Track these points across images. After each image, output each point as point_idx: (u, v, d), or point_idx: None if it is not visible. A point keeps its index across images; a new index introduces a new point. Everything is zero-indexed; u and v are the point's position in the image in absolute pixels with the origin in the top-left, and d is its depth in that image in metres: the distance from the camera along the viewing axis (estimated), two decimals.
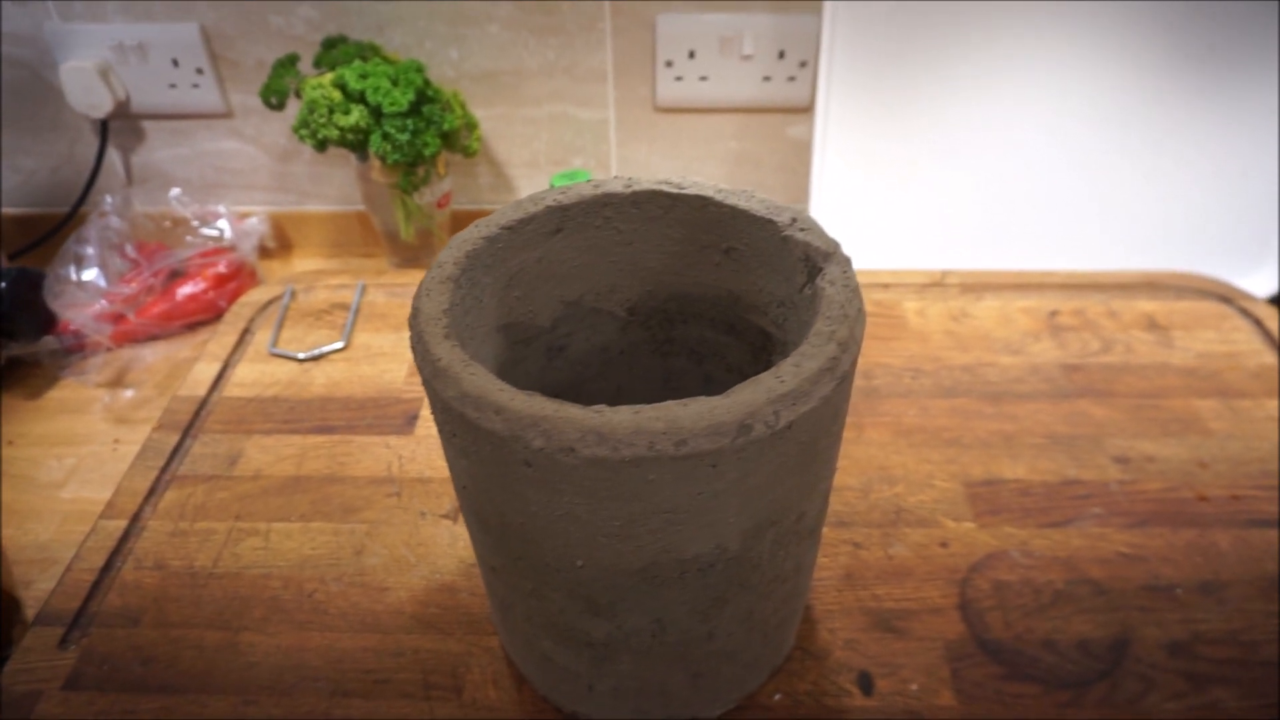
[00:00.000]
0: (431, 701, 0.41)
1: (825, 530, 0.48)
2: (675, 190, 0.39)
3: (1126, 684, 0.41)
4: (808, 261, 0.36)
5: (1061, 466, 0.52)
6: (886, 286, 0.66)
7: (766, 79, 0.68)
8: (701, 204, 0.39)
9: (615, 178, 0.41)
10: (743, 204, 0.38)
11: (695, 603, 0.34)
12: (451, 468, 0.35)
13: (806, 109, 0.69)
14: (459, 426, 0.30)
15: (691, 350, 0.44)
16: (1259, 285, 0.68)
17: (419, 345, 0.32)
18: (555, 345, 0.42)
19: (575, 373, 0.43)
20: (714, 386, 0.44)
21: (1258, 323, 0.62)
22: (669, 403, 0.28)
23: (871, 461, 0.52)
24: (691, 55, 0.67)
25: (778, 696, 0.41)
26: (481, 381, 0.30)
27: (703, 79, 0.68)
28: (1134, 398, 0.56)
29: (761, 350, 0.41)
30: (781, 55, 0.67)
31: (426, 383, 0.31)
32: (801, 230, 0.37)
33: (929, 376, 0.58)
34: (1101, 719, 0.40)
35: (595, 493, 0.29)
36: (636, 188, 0.40)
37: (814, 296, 0.35)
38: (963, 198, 0.67)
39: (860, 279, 0.66)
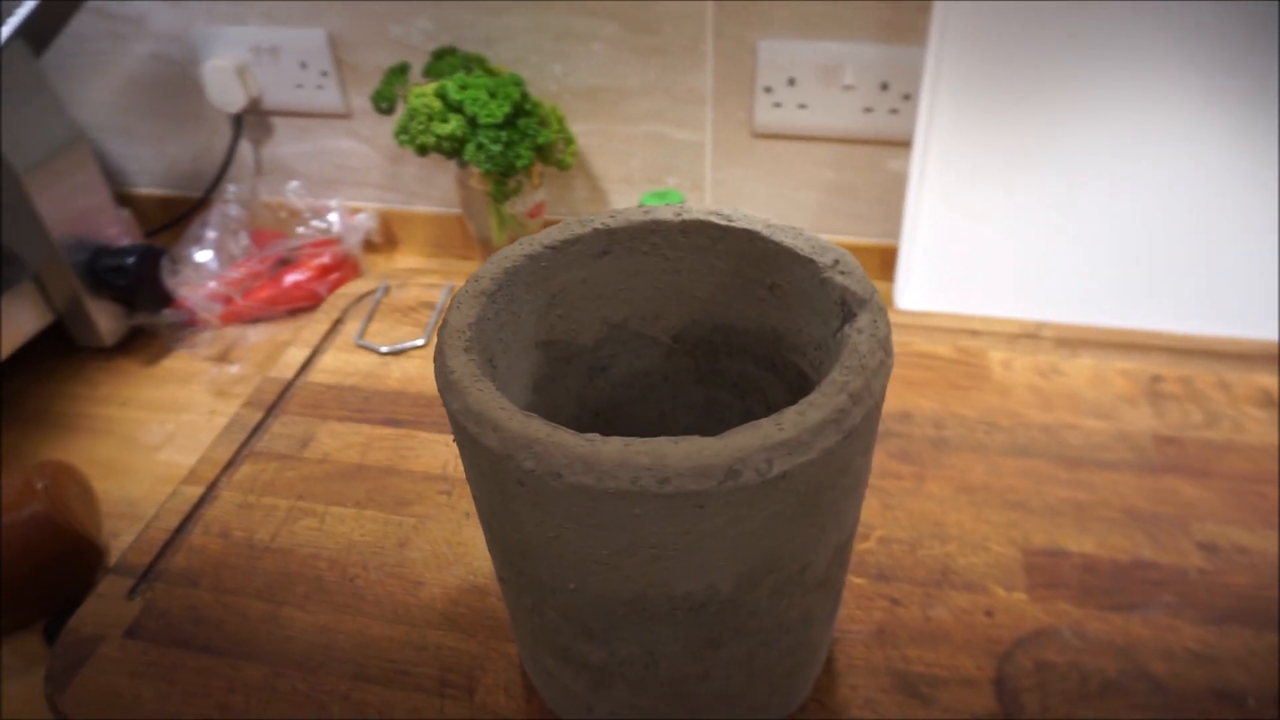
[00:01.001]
0: (445, 699, 0.42)
1: (862, 582, 0.47)
2: (724, 222, 0.39)
3: None
4: (843, 305, 0.35)
5: (1136, 545, 0.48)
6: (975, 333, 0.63)
7: (868, 110, 0.67)
8: (749, 238, 0.38)
9: (667, 205, 0.41)
10: (789, 241, 0.37)
11: (688, 640, 0.33)
12: (467, 478, 0.36)
13: (908, 143, 0.67)
14: (464, 439, 0.31)
15: (734, 384, 0.43)
16: None
17: (438, 356, 0.33)
18: (598, 365, 0.42)
19: (617, 394, 0.44)
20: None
21: None
22: (662, 439, 0.28)
23: (927, 516, 0.50)
24: (791, 82, 0.66)
25: None
26: (486, 398, 0.30)
27: (802, 106, 0.67)
28: (1234, 480, 0.51)
29: (799, 391, 0.40)
30: (885, 87, 0.65)
31: (440, 392, 0.32)
32: (842, 273, 0.36)
33: (1004, 432, 0.55)
34: None
35: (583, 520, 0.29)
36: (686, 217, 0.39)
37: (841, 342, 0.34)
38: (1064, 247, 0.63)
39: (948, 323, 0.63)
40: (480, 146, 0.61)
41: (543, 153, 0.66)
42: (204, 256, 0.66)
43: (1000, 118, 0.61)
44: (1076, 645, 0.43)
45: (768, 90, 0.67)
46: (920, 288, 0.67)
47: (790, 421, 0.29)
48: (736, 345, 0.42)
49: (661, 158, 0.71)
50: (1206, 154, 0.60)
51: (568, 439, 0.28)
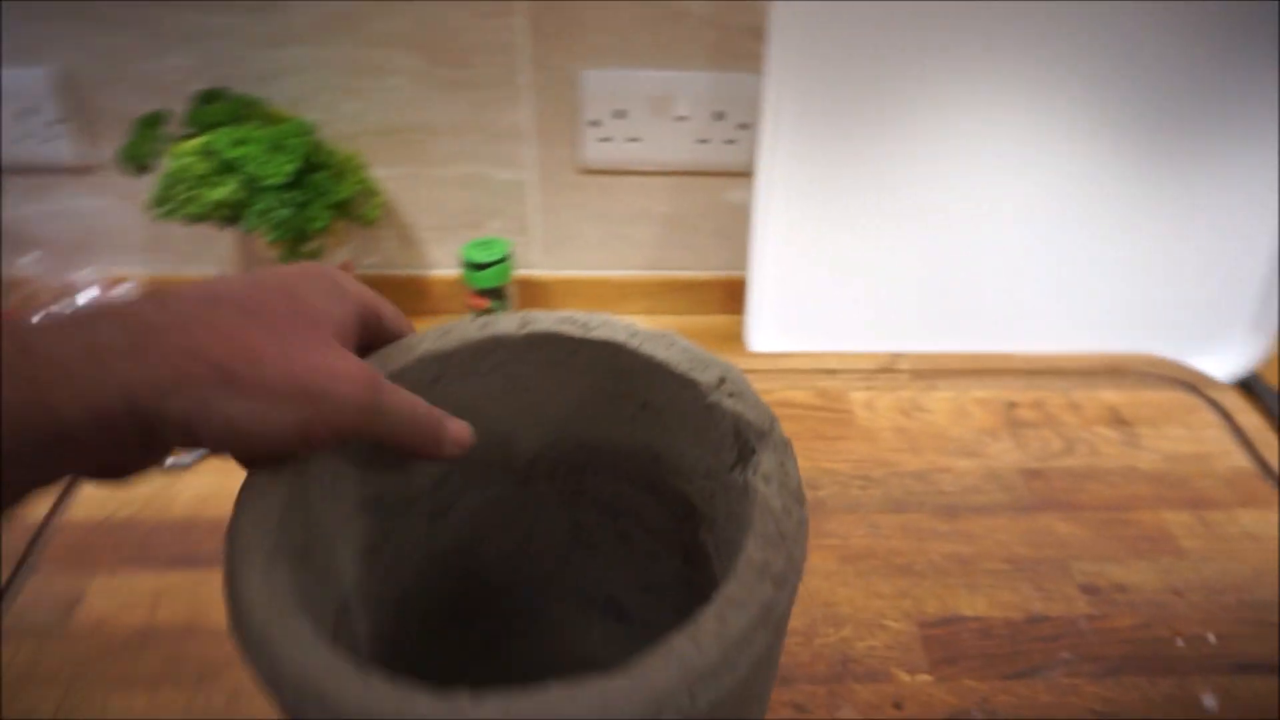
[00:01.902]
0: None
1: None
2: (579, 333, 0.33)
3: None
4: (738, 437, 0.30)
5: (1025, 599, 0.46)
6: (832, 372, 0.60)
7: (703, 141, 0.62)
8: (611, 351, 0.33)
9: (509, 315, 0.34)
10: (661, 354, 0.32)
11: None
12: None
13: (746, 173, 0.63)
14: (274, 699, 0.23)
15: (605, 504, 0.37)
16: (1221, 365, 0.64)
17: (228, 578, 0.25)
18: (439, 510, 0.35)
19: (464, 533, 0.36)
20: (630, 549, 0.37)
21: (1227, 416, 0.58)
22: (552, 691, 0.22)
23: (816, 596, 0.46)
24: (620, 115, 0.61)
25: None
26: (300, 654, 0.23)
27: (632, 140, 0.62)
28: (1100, 510, 0.51)
29: (686, 519, 0.35)
30: (720, 116, 0.61)
31: (233, 637, 0.24)
32: (730, 395, 0.31)
33: (878, 485, 0.52)
34: None
35: None
36: (533, 328, 0.33)
37: (745, 495, 0.28)
38: (914, 273, 0.62)
39: (804, 364, 0.61)
40: (265, 213, 0.51)
41: (343, 209, 0.56)
42: None
43: (844, 145, 0.58)
44: None
45: (594, 124, 0.61)
46: (772, 324, 0.64)
47: (709, 638, 0.23)
48: (605, 465, 0.36)
49: (481, 201, 0.64)
50: (1044, 178, 0.60)
51: (422, 710, 0.21)
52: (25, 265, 0.61)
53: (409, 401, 0.29)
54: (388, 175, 0.63)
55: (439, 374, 0.32)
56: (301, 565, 0.28)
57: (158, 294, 0.26)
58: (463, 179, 0.64)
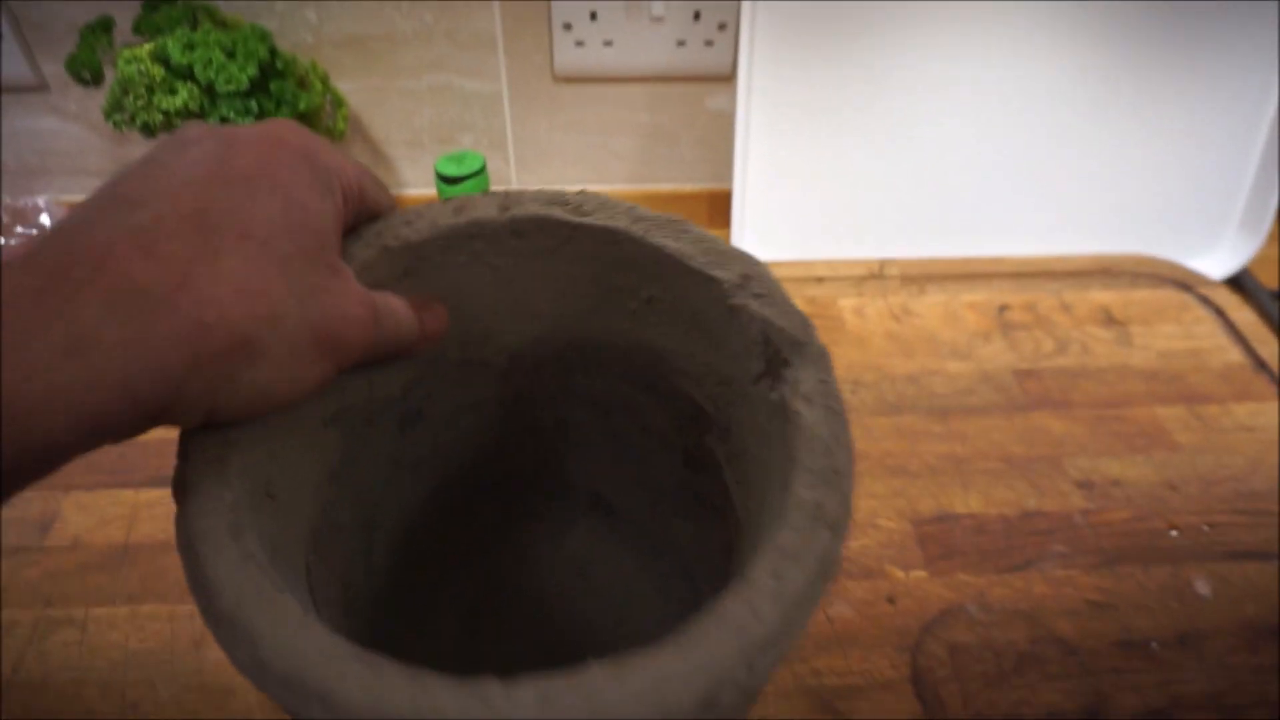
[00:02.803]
0: None
1: None
2: (573, 218, 0.29)
3: None
4: (767, 346, 0.27)
5: (1020, 496, 0.46)
6: (820, 280, 0.59)
7: (681, 43, 0.60)
8: (611, 239, 0.29)
9: (488, 195, 0.30)
10: (672, 244, 0.28)
11: None
12: None
13: (727, 78, 0.61)
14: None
15: (595, 402, 0.35)
16: (1214, 264, 0.63)
17: (186, 550, 0.22)
18: (410, 414, 0.32)
19: (439, 440, 0.34)
20: (621, 446, 0.35)
21: (1219, 313, 0.57)
22: (595, 675, 0.19)
23: None
24: (594, 17, 0.58)
25: None
26: (293, 639, 0.20)
27: (607, 44, 0.59)
28: (1094, 407, 0.50)
29: (690, 423, 0.32)
30: (697, 17, 0.59)
31: (206, 622, 0.21)
32: (757, 297, 0.27)
33: (870, 389, 0.51)
34: None
35: None
36: (517, 212, 0.29)
37: (780, 416, 0.26)
38: (902, 179, 0.60)
39: (792, 272, 0.59)
40: (224, 120, 0.49)
41: (307, 121, 0.54)
42: None
43: (826, 46, 0.56)
44: (983, 619, 0.41)
45: (567, 27, 0.58)
46: (757, 235, 0.62)
47: (766, 600, 0.20)
48: (597, 363, 0.34)
49: (452, 114, 0.61)
50: (1033, 75, 0.58)
51: (447, 707, 0.18)
52: None
53: (393, 316, 0.27)
54: (352, 89, 0.60)
55: (410, 266, 0.29)
56: (268, 509, 0.25)
57: (124, 209, 0.21)
58: (431, 91, 0.61)
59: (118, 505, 0.45)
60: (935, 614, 0.41)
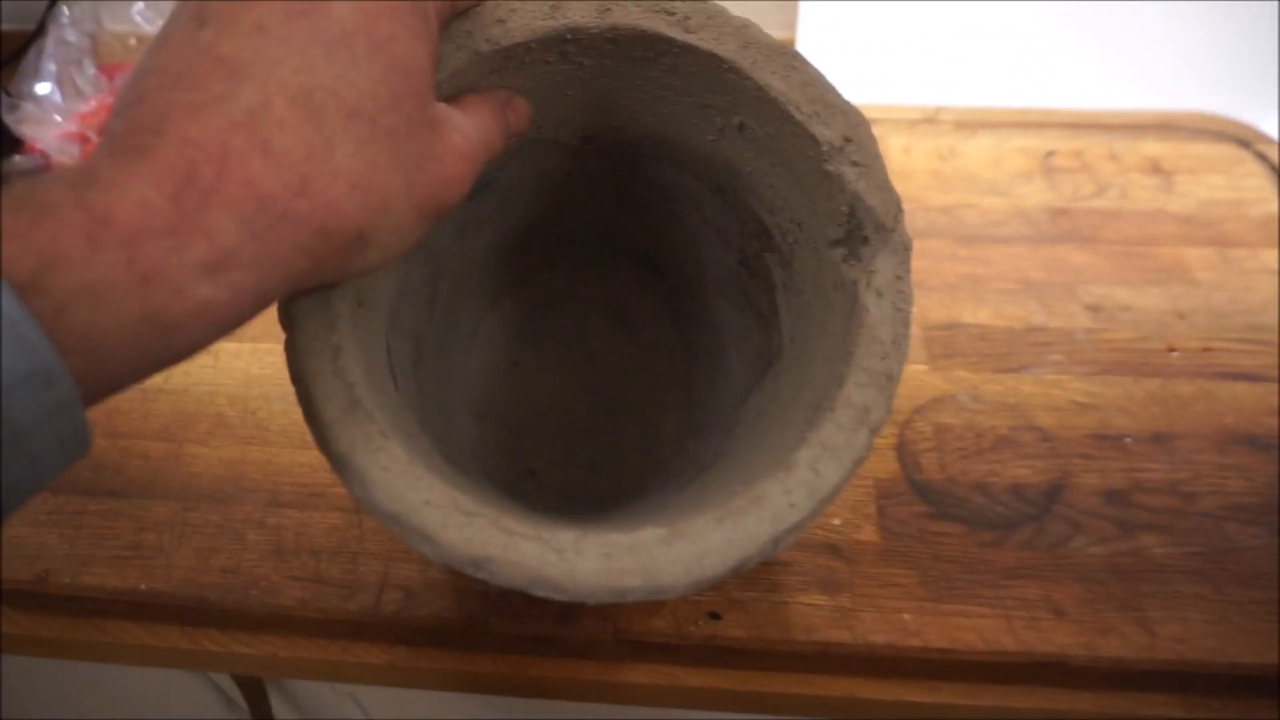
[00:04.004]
0: (362, 514, 0.42)
1: None
2: (678, 36, 0.28)
3: (1053, 527, 0.41)
4: (852, 218, 0.27)
5: (1029, 313, 0.49)
6: (875, 122, 0.61)
7: None
8: (715, 64, 0.28)
9: None
10: (778, 85, 0.27)
11: None
12: None
13: None
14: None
15: (661, 187, 0.37)
16: None
17: (302, 394, 0.25)
18: (480, 184, 0.34)
19: (503, 200, 0.38)
20: (681, 228, 0.38)
21: (1274, 168, 0.57)
22: (648, 537, 0.23)
23: None
24: None
25: None
26: (399, 487, 0.23)
27: None
28: (1120, 244, 0.53)
29: (754, 235, 0.34)
30: None
31: (331, 464, 0.25)
32: (854, 165, 0.27)
33: (904, 216, 0.55)
34: (1022, 558, 0.39)
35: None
36: (619, 20, 0.28)
37: (848, 297, 0.27)
38: (967, 27, 0.62)
39: None
40: None
41: None
42: (44, 89, 0.59)
43: None
44: (972, 408, 0.45)
45: None
46: None
47: (803, 491, 0.24)
48: (671, 157, 0.34)
49: None
50: None
51: (529, 553, 0.23)
52: (134, 14, 0.67)
53: (486, 144, 0.27)
54: None
55: (499, 66, 0.29)
56: (361, 319, 0.27)
57: (227, 82, 0.20)
58: None
59: None
60: (928, 400, 0.46)
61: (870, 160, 0.27)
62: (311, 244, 0.21)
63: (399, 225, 0.24)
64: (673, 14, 0.28)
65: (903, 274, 0.27)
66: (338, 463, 0.24)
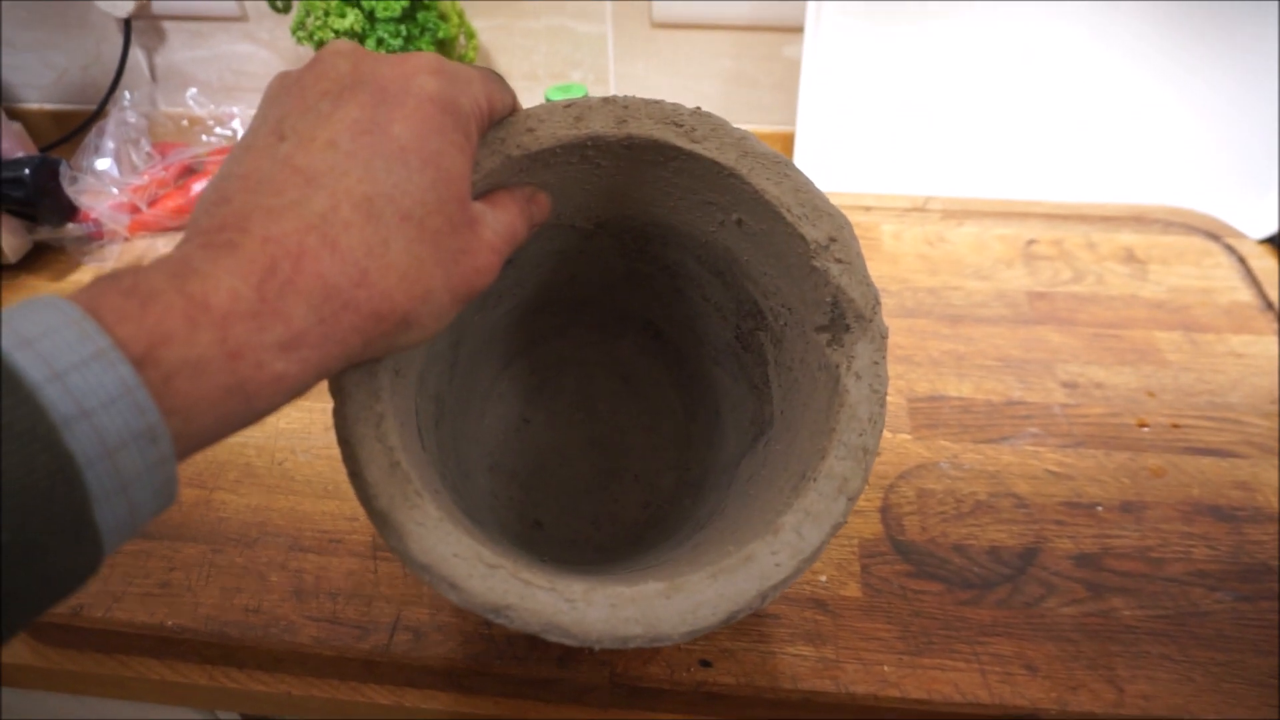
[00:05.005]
0: (378, 560, 0.45)
1: None
2: (685, 145, 0.31)
3: (1028, 588, 0.43)
4: (835, 308, 0.30)
5: (1008, 388, 0.53)
6: (868, 209, 0.67)
7: None
8: (717, 171, 0.31)
9: (605, 101, 0.32)
10: (772, 190, 0.31)
11: None
12: None
13: (802, 28, 0.69)
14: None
15: (666, 266, 0.40)
16: (1256, 226, 0.67)
17: (348, 455, 0.28)
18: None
19: (521, 274, 0.41)
20: (683, 302, 0.41)
21: (1241, 260, 0.61)
22: (650, 590, 0.26)
23: None
24: None
25: None
26: (431, 541, 0.26)
27: None
28: (1095, 327, 0.56)
29: (749, 315, 0.37)
30: None
31: (369, 517, 0.28)
32: (838, 262, 0.30)
33: (893, 297, 0.59)
34: (997, 617, 0.42)
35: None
36: (634, 130, 0.31)
37: (830, 379, 0.30)
38: (955, 123, 0.67)
39: (842, 201, 0.67)
40: (380, 42, 0.61)
41: (443, 48, 0.66)
42: (104, 164, 0.65)
43: (885, 2, 0.63)
44: (953, 474, 0.48)
45: None
46: (816, 171, 0.70)
47: (787, 552, 0.27)
48: (676, 243, 0.37)
49: (564, 52, 0.72)
50: (1096, 28, 0.63)
51: (544, 603, 0.26)
52: (187, 98, 0.74)
53: (514, 236, 0.31)
54: (483, 26, 0.71)
55: (527, 168, 0.32)
56: (399, 388, 0.31)
57: (302, 189, 0.24)
58: (549, 31, 0.72)
59: None
60: (912, 466, 0.49)
61: (852, 258, 0.30)
62: (366, 326, 0.25)
63: (438, 310, 0.27)
64: (680, 125, 0.31)
65: (879, 359, 0.30)
66: (378, 518, 0.27)
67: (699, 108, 0.32)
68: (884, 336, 0.30)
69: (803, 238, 0.30)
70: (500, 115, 0.31)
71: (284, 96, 0.27)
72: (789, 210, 0.30)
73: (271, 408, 0.24)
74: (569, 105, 0.32)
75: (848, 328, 0.30)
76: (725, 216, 0.34)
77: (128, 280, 0.21)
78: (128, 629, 0.43)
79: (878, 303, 0.30)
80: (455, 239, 0.27)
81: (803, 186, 0.31)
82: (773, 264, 0.33)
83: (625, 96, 0.32)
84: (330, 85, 0.27)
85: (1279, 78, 0.63)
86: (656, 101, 0.32)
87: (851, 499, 0.28)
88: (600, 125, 0.31)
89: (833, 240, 0.30)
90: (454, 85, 0.28)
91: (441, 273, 0.26)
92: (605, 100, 0.32)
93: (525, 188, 0.33)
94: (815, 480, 0.28)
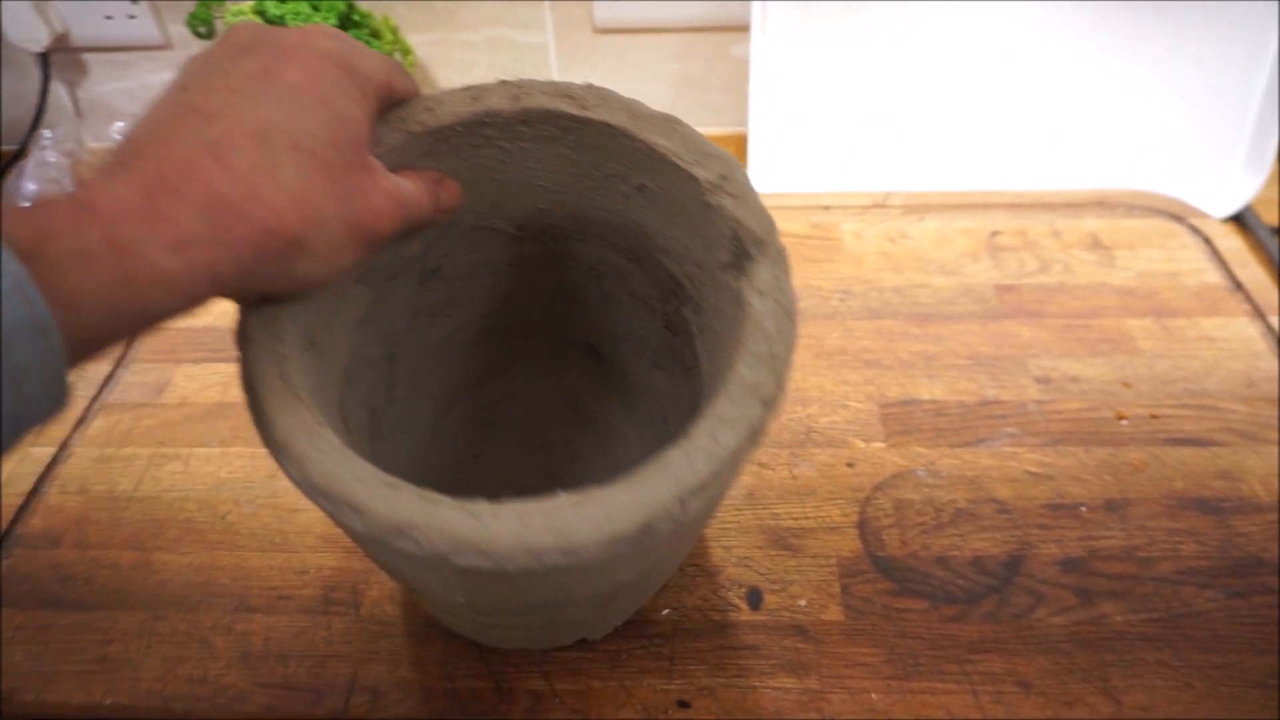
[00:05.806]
0: (330, 616, 0.42)
1: None
2: (577, 111, 0.33)
3: (1016, 598, 0.41)
4: (735, 241, 0.31)
5: (981, 387, 0.51)
6: (826, 209, 0.65)
7: None
8: (610, 133, 0.33)
9: (502, 83, 0.34)
10: (661, 142, 0.32)
11: (591, 598, 0.33)
12: None
13: (748, 27, 0.67)
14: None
15: (591, 268, 0.41)
16: (1217, 205, 0.66)
17: (249, 392, 0.28)
18: (429, 269, 0.38)
19: (454, 290, 0.40)
20: (615, 307, 0.41)
21: (1207, 241, 0.60)
22: (561, 501, 0.25)
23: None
24: None
25: (666, 612, 0.42)
26: (331, 465, 0.26)
27: None
28: (1065, 318, 0.55)
29: (670, 294, 0.37)
30: None
31: (268, 451, 0.27)
32: (731, 196, 0.31)
33: (858, 298, 0.57)
34: (985, 632, 0.40)
35: (478, 588, 0.28)
36: (527, 104, 0.33)
37: (737, 303, 0.30)
38: (908, 117, 0.65)
39: (799, 202, 0.65)
40: None
41: None
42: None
43: None
44: (930, 483, 0.46)
45: None
46: (770, 172, 0.68)
47: (702, 455, 0.26)
48: (593, 234, 0.38)
49: (505, 64, 0.70)
50: (1033, 25, 0.62)
51: (449, 519, 0.24)
52: (113, 132, 0.70)
53: (414, 200, 0.32)
54: (419, 41, 0.69)
55: (430, 148, 0.33)
56: (311, 355, 0.30)
57: (198, 123, 0.25)
58: (488, 43, 0.69)
59: (216, 374, 0.55)
60: (888, 476, 0.47)
61: (744, 191, 0.31)
62: (257, 239, 0.25)
63: (333, 241, 0.28)
64: (573, 97, 0.33)
65: (781, 275, 0.30)
66: (277, 448, 0.27)
67: (591, 84, 0.34)
68: (783, 254, 0.30)
69: (695, 179, 0.31)
70: (401, 95, 0.33)
71: (191, 64, 0.29)
72: (680, 158, 0.31)
73: (165, 311, 0.24)
74: (467, 88, 0.34)
75: (749, 255, 0.30)
76: (628, 186, 0.34)
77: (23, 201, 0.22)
78: (62, 712, 0.40)
79: (773, 226, 0.31)
80: (350, 176, 0.28)
81: (691, 138, 0.32)
82: (677, 221, 0.34)
83: (521, 79, 0.34)
84: (233, 50, 0.28)
85: (1234, 55, 0.62)
86: (550, 81, 0.34)
87: (767, 403, 0.27)
88: (496, 102, 0.33)
89: (724, 178, 0.31)
90: (352, 50, 0.30)
91: (335, 205, 0.27)
92: (502, 82, 0.34)
93: (433, 171, 0.34)
94: (726, 387, 0.27)
